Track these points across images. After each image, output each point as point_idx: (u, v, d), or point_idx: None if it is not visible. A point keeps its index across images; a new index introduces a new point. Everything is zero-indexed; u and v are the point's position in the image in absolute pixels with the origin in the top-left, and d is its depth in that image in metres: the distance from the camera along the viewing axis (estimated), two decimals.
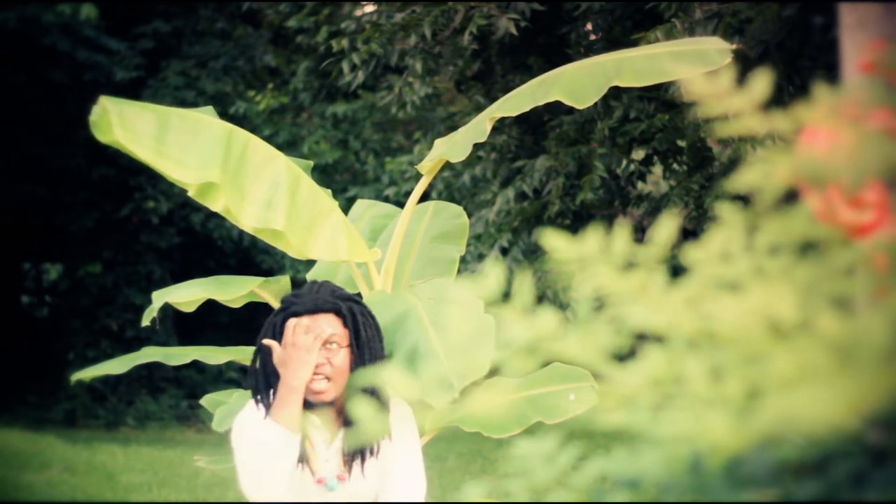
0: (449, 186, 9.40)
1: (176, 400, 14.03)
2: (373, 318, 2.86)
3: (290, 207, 3.14)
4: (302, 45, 11.45)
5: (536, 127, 7.60)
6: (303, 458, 2.78)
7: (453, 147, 3.35)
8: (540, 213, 7.22)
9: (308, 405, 2.78)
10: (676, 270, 1.09)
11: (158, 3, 13.90)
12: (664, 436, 0.96)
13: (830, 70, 5.93)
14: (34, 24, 12.51)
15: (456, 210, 3.86)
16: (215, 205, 3.10)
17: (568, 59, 4.58)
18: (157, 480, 8.57)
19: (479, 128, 3.31)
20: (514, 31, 6.57)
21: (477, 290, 1.06)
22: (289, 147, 13.56)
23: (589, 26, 7.20)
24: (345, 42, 7.51)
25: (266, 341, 2.77)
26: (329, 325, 2.77)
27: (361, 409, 1.04)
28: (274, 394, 2.77)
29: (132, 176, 13.55)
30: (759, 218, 1.03)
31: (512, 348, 1.03)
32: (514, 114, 3.25)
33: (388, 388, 2.85)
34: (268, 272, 13.81)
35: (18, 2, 12.34)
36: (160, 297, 3.49)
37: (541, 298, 6.93)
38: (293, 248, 3.19)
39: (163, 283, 13.49)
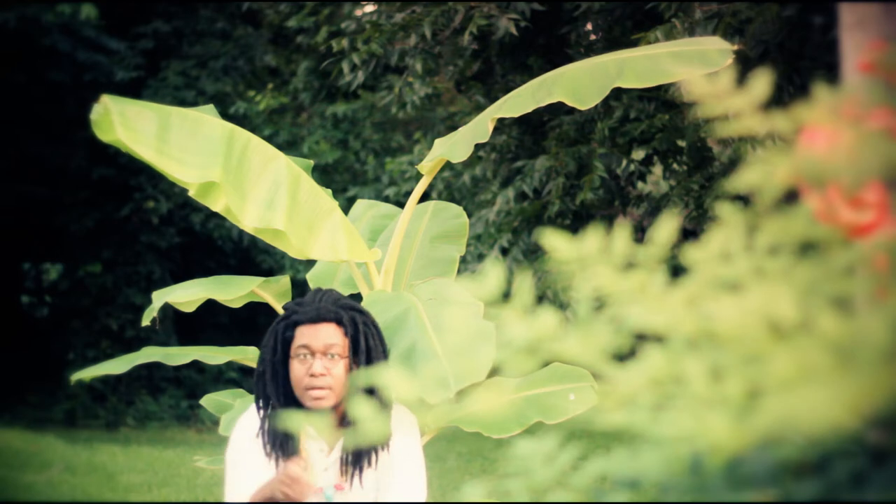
0: (449, 186, 9.40)
1: (176, 400, 14.03)
2: (376, 327, 2.84)
3: (290, 207, 3.14)
4: (302, 45, 11.45)
5: (536, 127, 7.60)
6: None
7: (453, 147, 3.35)
8: (540, 213, 7.22)
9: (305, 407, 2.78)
10: (676, 270, 1.09)
11: (158, 3, 13.90)
12: (664, 436, 0.96)
13: (830, 70, 5.93)
14: (34, 24, 12.51)
15: (456, 210, 3.86)
16: (216, 204, 3.10)
17: (568, 59, 4.58)
18: (157, 480, 8.57)
19: (480, 128, 3.31)
20: (514, 31, 6.57)
21: (477, 290, 1.06)
22: (289, 147, 13.56)
23: (589, 26, 7.20)
24: (345, 42, 7.51)
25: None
26: (330, 336, 2.77)
27: (362, 409, 1.04)
28: (271, 406, 2.78)
29: (132, 176, 13.55)
30: (759, 218, 1.03)
31: (512, 348, 1.03)
32: (516, 114, 3.25)
33: (387, 390, 2.85)
34: (268, 272, 13.81)
35: (18, 2, 12.33)
36: (160, 297, 3.50)
37: (541, 298, 6.93)
38: (293, 247, 3.19)
39: (163, 283, 13.49)
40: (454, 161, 3.31)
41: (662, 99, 6.83)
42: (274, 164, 3.18)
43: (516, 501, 1.08)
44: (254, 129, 12.70)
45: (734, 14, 5.81)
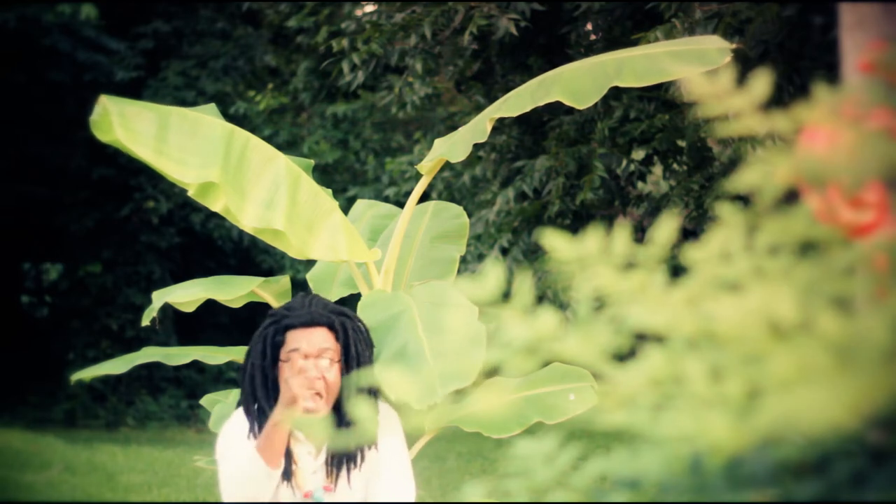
0: (449, 186, 9.39)
1: (176, 400, 14.03)
2: (365, 332, 2.85)
3: (290, 207, 3.14)
4: (302, 45, 11.44)
5: (536, 127, 7.60)
6: (287, 475, 2.78)
7: (453, 147, 3.35)
8: (540, 213, 7.22)
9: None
10: (676, 270, 1.09)
11: (158, 3, 13.90)
12: (664, 436, 0.96)
13: (830, 70, 5.93)
14: (34, 24, 12.52)
15: (456, 210, 3.85)
16: (215, 205, 3.10)
17: (568, 59, 4.57)
18: (157, 480, 8.57)
19: (479, 128, 3.31)
20: (514, 31, 6.57)
21: (477, 290, 1.06)
22: (289, 147, 13.57)
23: (589, 26, 7.20)
24: (345, 42, 7.51)
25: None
26: (323, 340, 2.77)
27: (362, 410, 1.04)
28: (260, 410, 2.78)
29: (132, 176, 13.55)
30: (759, 218, 1.03)
31: (512, 348, 1.03)
32: (515, 114, 3.25)
33: (378, 392, 2.86)
34: (268, 272, 13.81)
35: (18, 2, 12.34)
36: (160, 297, 3.49)
37: (541, 298, 6.93)
38: (293, 248, 3.19)
39: (163, 283, 13.49)
40: (453, 161, 3.31)
41: (662, 99, 6.83)
42: (273, 164, 3.18)
43: (516, 501, 1.08)
44: (254, 130, 12.70)
45: (734, 14, 5.81)
